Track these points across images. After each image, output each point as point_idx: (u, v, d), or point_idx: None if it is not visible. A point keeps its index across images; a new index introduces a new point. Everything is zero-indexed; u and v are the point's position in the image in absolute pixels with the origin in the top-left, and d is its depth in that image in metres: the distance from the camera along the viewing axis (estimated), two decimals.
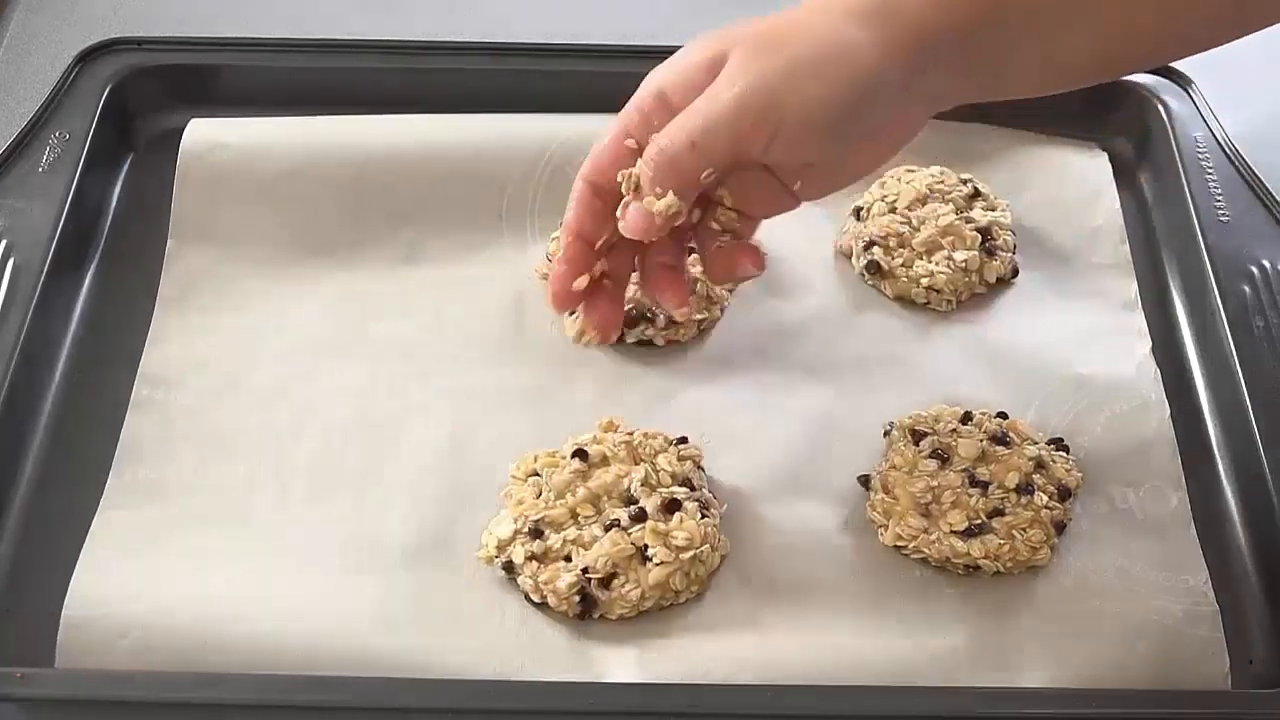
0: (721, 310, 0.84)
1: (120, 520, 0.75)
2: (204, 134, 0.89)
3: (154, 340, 0.82)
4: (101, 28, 0.97)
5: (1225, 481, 0.78)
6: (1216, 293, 0.83)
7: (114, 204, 0.89)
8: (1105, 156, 0.92)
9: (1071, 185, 0.90)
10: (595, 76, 0.92)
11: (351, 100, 0.91)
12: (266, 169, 0.88)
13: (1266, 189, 0.87)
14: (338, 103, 0.91)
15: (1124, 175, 0.91)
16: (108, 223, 0.88)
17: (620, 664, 0.70)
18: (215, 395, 0.80)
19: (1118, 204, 0.89)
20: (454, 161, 0.89)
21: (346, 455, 0.78)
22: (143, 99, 0.92)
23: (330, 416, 0.80)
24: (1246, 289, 0.83)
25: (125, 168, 0.91)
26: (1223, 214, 0.86)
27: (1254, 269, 0.84)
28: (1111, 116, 0.93)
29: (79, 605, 0.71)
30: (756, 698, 0.68)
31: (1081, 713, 0.69)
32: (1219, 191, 0.87)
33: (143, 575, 0.72)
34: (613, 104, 0.90)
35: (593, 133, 0.89)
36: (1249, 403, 0.79)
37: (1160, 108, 0.92)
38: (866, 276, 0.86)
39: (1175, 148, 0.90)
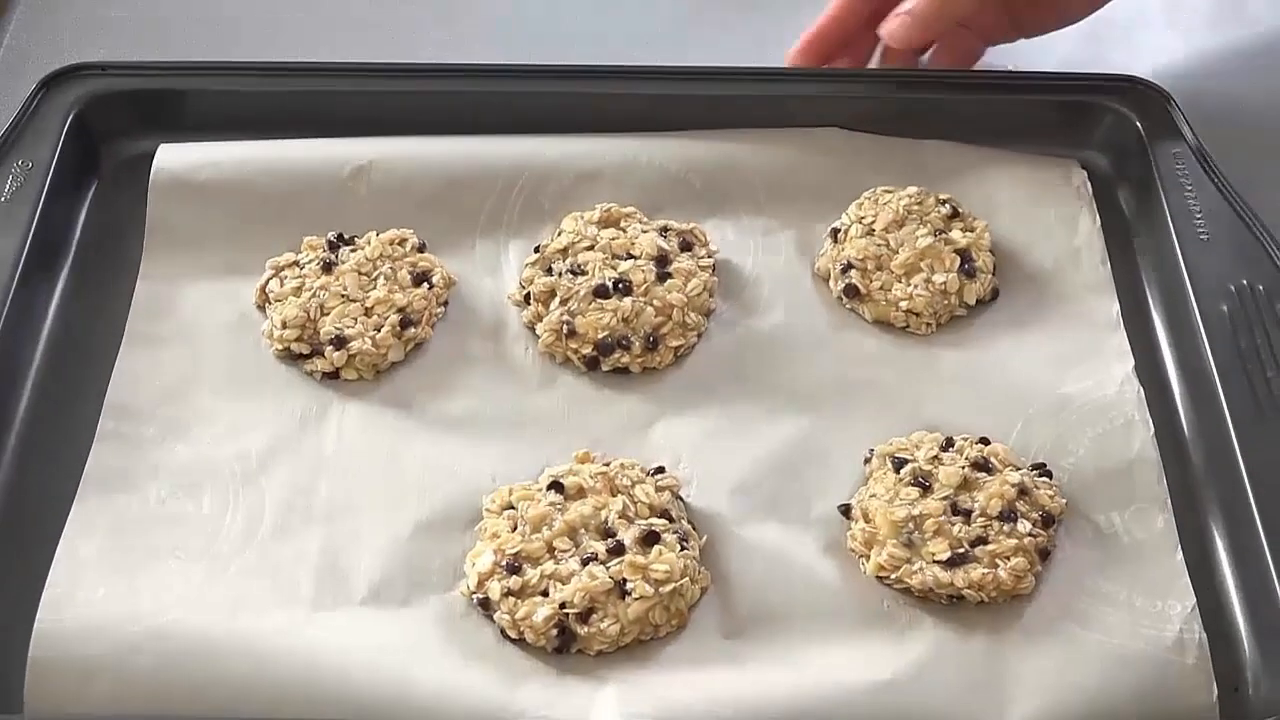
0: (698, 336, 0.83)
1: (84, 556, 0.73)
2: (174, 159, 0.88)
3: (121, 372, 0.81)
4: (67, 54, 0.95)
5: (1208, 504, 0.77)
6: (1197, 312, 0.82)
7: (79, 233, 0.87)
8: (1084, 174, 0.91)
9: (1050, 204, 0.89)
10: (572, 97, 0.91)
11: (320, 125, 0.89)
12: (239, 195, 0.87)
13: (1246, 206, 0.86)
14: (306, 127, 0.89)
15: (1102, 192, 0.90)
16: (72, 252, 0.86)
17: (600, 701, 0.69)
18: (183, 427, 0.79)
19: (1098, 223, 0.88)
20: (428, 187, 0.88)
21: (318, 487, 0.77)
22: (107, 125, 0.90)
23: (300, 448, 0.78)
24: (1226, 307, 0.82)
25: (90, 195, 0.89)
26: (1202, 232, 0.85)
27: (1234, 287, 0.83)
28: (1089, 132, 0.92)
29: (45, 646, 0.69)
30: None
31: None
32: (1198, 209, 0.86)
33: (108, 614, 0.71)
34: (588, 124, 0.90)
35: (565, 157, 0.89)
36: (1231, 423, 0.78)
37: (1138, 123, 0.91)
38: (844, 300, 0.85)
39: (1154, 164, 0.89)
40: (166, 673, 0.69)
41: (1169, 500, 0.77)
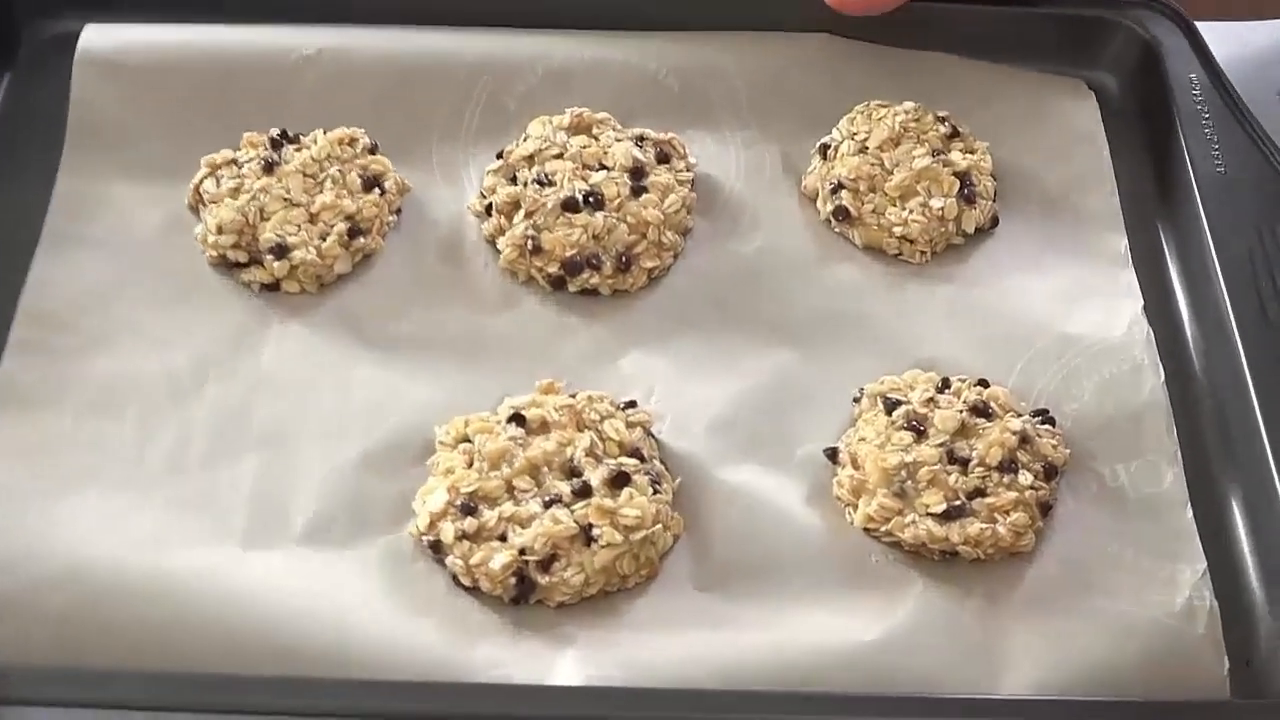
0: (675, 257, 0.76)
1: None
2: (103, 40, 0.80)
3: (37, 276, 0.73)
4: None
5: (1222, 459, 0.71)
6: (1212, 249, 0.76)
7: None
8: (1093, 97, 0.84)
9: (1057, 128, 0.82)
10: None
11: (265, 10, 0.81)
12: (173, 82, 0.79)
13: (1266, 137, 0.80)
14: (249, 13, 0.81)
15: (1112, 117, 0.84)
16: None
17: (560, 658, 0.63)
18: (105, 339, 0.71)
19: (1107, 149, 0.82)
20: (382, 81, 0.80)
21: (253, 410, 0.70)
22: (26, 2, 0.81)
23: (235, 366, 0.71)
24: (1244, 245, 0.76)
25: (6, 79, 0.81)
26: (1219, 164, 0.79)
27: (1251, 224, 0.77)
28: (1100, 51, 0.85)
29: None
30: (709, 704, 0.61)
31: None
32: (1215, 139, 0.80)
33: (18, 548, 0.64)
34: (560, 20, 0.83)
35: (534, 53, 0.81)
36: (1248, 372, 0.72)
37: (1153, 44, 0.84)
38: (834, 223, 0.78)
39: (1169, 89, 0.82)
40: (82, 615, 0.62)
41: (1179, 453, 0.71)
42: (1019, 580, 0.67)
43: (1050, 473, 0.69)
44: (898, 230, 0.77)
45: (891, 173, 0.78)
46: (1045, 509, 0.68)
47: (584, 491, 0.66)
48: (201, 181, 0.76)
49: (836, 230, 0.78)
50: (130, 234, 0.75)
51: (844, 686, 0.63)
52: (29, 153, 0.78)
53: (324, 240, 0.74)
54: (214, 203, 0.75)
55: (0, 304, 0.72)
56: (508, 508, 0.66)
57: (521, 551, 0.64)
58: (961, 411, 0.70)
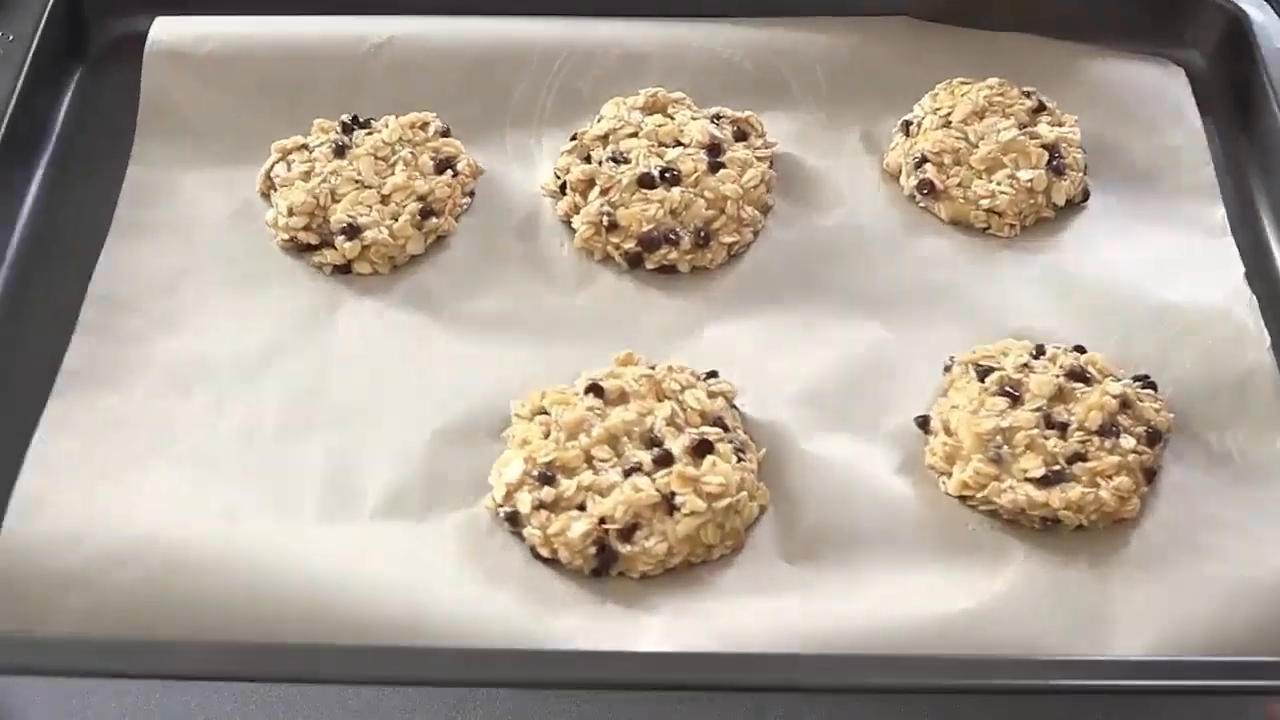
0: (754, 234, 0.74)
1: (57, 457, 0.64)
2: (173, 31, 0.79)
3: (107, 261, 0.72)
4: None
5: None
6: None
7: (62, 115, 0.78)
8: (1182, 72, 0.82)
9: (1147, 102, 0.80)
10: None
11: (333, 1, 0.81)
12: (244, 72, 0.78)
13: None
14: (320, 4, 0.80)
15: (1203, 93, 0.81)
16: (54, 135, 0.78)
17: (644, 630, 0.60)
18: (174, 322, 0.70)
19: (1199, 122, 0.79)
20: (453, 67, 0.79)
21: (326, 387, 0.68)
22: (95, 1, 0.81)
23: (306, 346, 0.69)
24: None
25: (76, 76, 0.80)
26: None
27: None
28: (1187, 30, 0.83)
29: (12, 557, 0.61)
30: (805, 667, 0.58)
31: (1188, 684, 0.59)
32: None
33: (84, 521, 0.62)
34: (634, 8, 0.81)
35: (608, 39, 0.80)
36: None
37: (1241, 19, 0.82)
38: (918, 197, 0.76)
39: (1260, 61, 0.80)
40: (150, 589, 0.60)
41: None
42: (1124, 546, 0.64)
43: (1154, 438, 0.66)
44: (985, 203, 0.75)
45: (977, 146, 0.76)
46: (1150, 475, 0.65)
47: (665, 460, 0.64)
48: (272, 167, 0.75)
49: (921, 205, 0.76)
50: (199, 221, 0.74)
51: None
52: (99, 147, 0.77)
53: (396, 221, 0.72)
54: (285, 186, 0.74)
55: (71, 297, 0.70)
56: (586, 477, 0.63)
57: (602, 520, 0.62)
58: (1058, 376, 0.67)
